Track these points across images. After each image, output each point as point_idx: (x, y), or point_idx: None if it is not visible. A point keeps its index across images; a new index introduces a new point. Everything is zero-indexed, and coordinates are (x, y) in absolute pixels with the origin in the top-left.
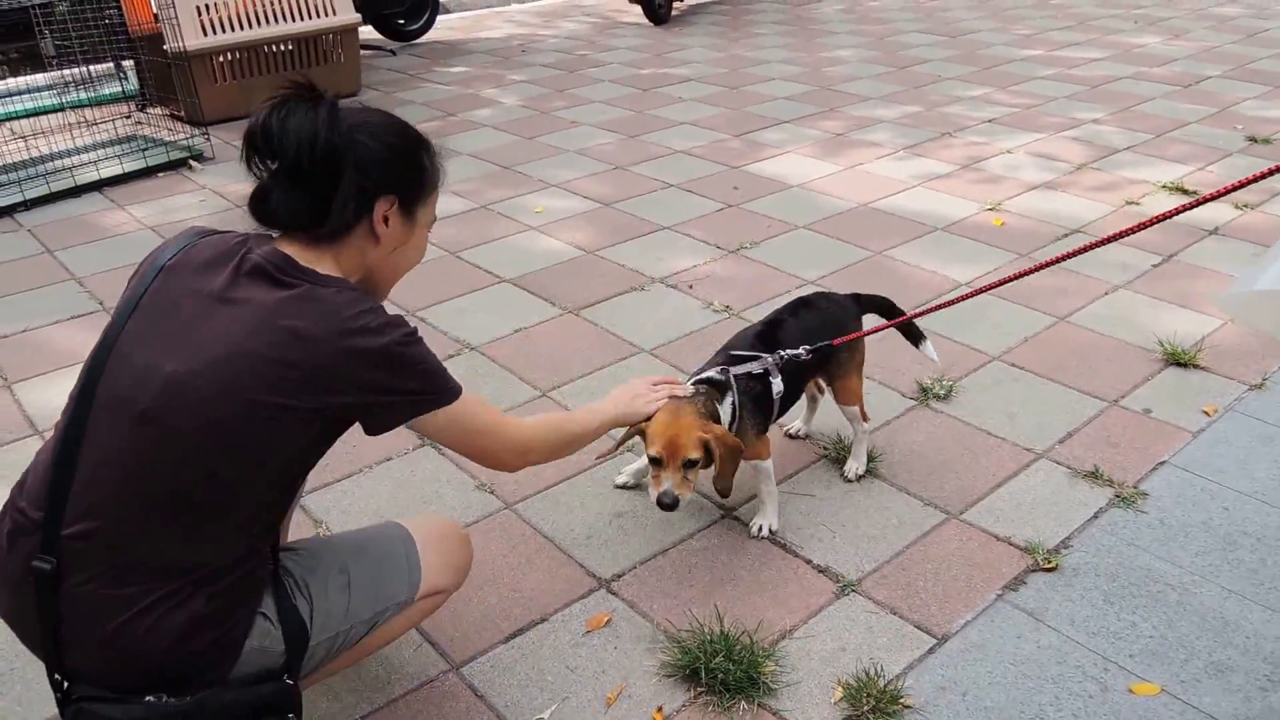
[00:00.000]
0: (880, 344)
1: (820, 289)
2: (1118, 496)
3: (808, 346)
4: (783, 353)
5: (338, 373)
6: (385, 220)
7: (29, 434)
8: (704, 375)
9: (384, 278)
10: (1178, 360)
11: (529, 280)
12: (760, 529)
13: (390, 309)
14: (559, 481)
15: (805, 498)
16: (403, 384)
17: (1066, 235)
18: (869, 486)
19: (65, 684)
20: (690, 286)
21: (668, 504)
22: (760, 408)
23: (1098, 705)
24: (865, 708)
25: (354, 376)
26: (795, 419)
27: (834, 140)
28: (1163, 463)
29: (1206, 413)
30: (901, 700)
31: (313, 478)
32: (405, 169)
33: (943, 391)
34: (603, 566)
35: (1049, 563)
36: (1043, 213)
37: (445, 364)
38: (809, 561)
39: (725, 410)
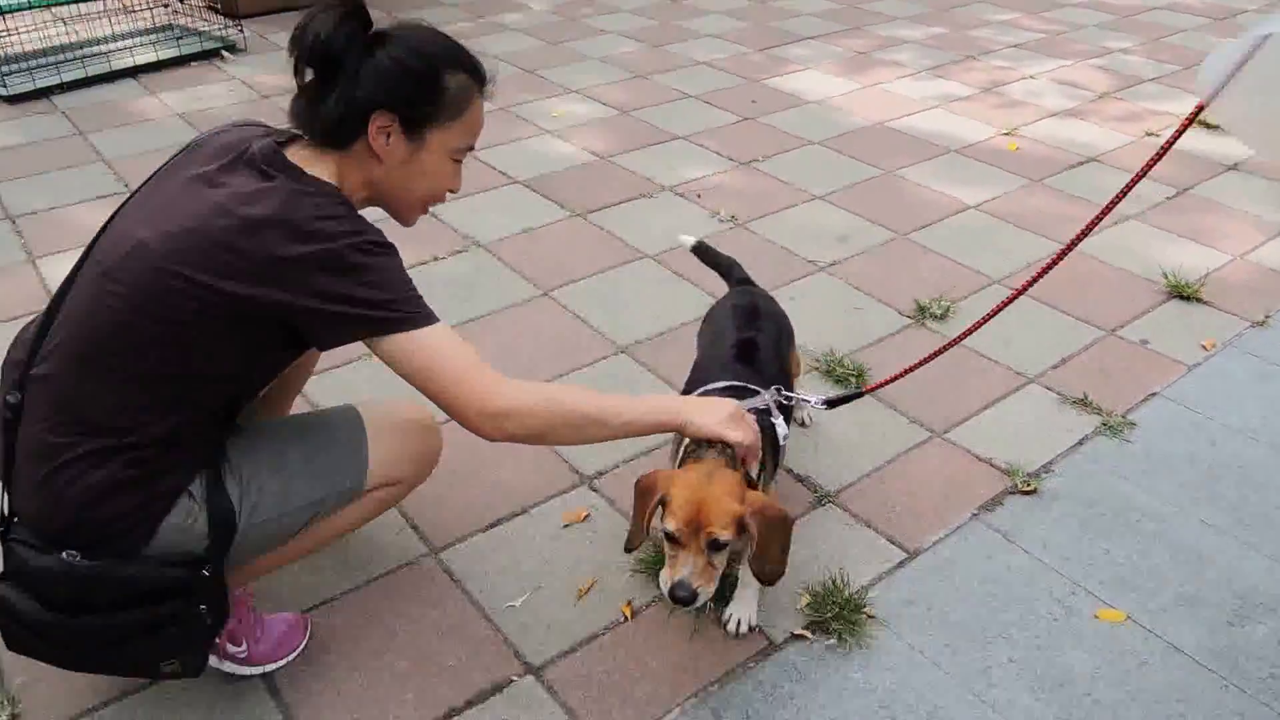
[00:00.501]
0: (880, 262)
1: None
2: (1105, 425)
3: (821, 397)
4: (788, 394)
5: (281, 269)
6: (386, 137)
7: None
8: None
9: (395, 200)
10: (1181, 293)
11: (541, 183)
12: (738, 623)
13: None
14: (553, 378)
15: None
16: (352, 292)
17: (1081, 164)
18: (856, 402)
19: (8, 522)
20: (699, 196)
21: (682, 598)
22: (770, 460)
23: (1061, 628)
24: (829, 614)
25: (298, 276)
26: None
27: (857, 59)
28: (1154, 394)
29: (1205, 347)
30: (865, 610)
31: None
32: (413, 88)
33: (940, 312)
34: (586, 463)
35: (1028, 486)
36: (1059, 139)
37: (451, 260)
38: (789, 471)
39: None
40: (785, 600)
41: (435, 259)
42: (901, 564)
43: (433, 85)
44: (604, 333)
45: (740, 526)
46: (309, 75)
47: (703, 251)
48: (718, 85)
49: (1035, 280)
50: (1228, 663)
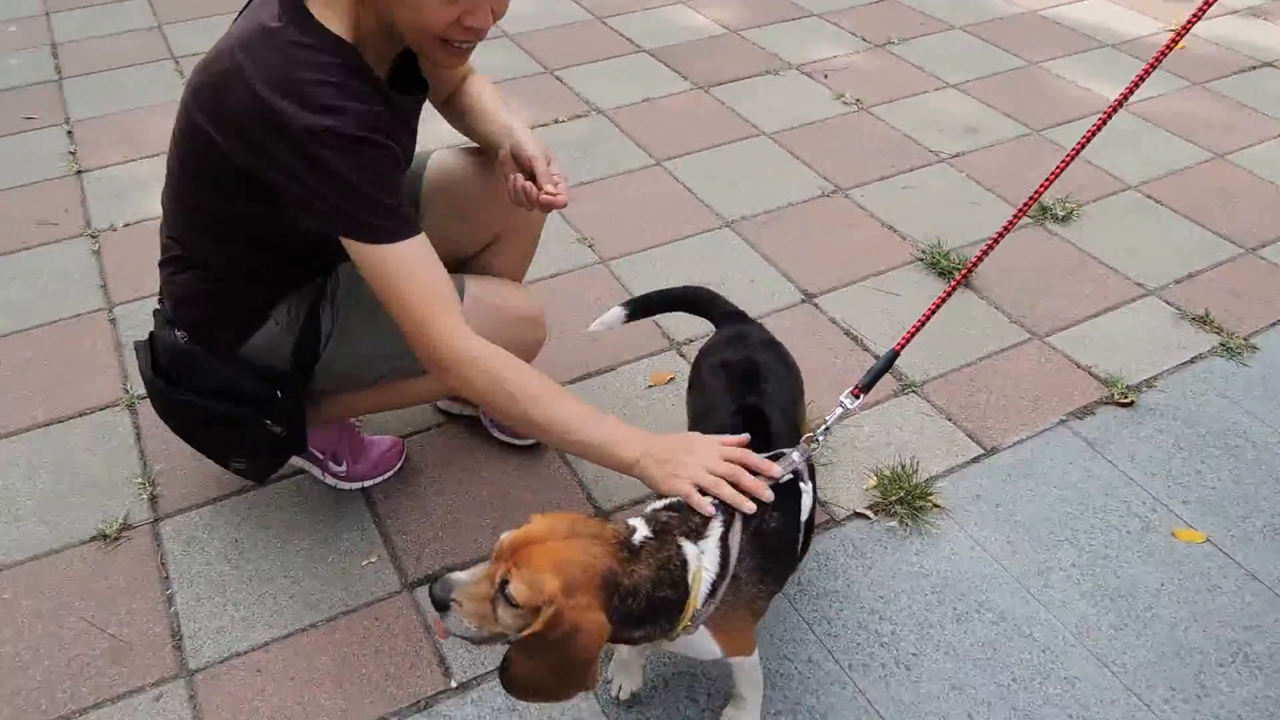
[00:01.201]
0: (1007, 157)
1: (748, 319)
2: (1223, 345)
3: (847, 392)
4: (818, 435)
5: (254, 130)
6: None
7: None
8: (664, 505)
9: (404, 30)
10: None
11: (666, 53)
12: None
13: (522, 63)
14: (656, 245)
15: (889, 295)
16: (315, 180)
17: (1254, 68)
18: (957, 295)
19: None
20: (825, 76)
21: (434, 594)
22: (772, 555)
23: (1134, 541)
24: (893, 498)
25: (267, 143)
26: None
27: None
28: None
29: None
30: (930, 497)
31: None
32: None
33: (1063, 213)
34: (678, 330)
35: (1125, 398)
36: (1233, 41)
37: (570, 124)
38: (877, 356)
39: (709, 556)
40: (851, 479)
41: (556, 121)
42: (976, 459)
43: None
44: (711, 205)
45: (533, 609)
46: None
47: (642, 306)
48: None
49: (1029, 204)
50: None
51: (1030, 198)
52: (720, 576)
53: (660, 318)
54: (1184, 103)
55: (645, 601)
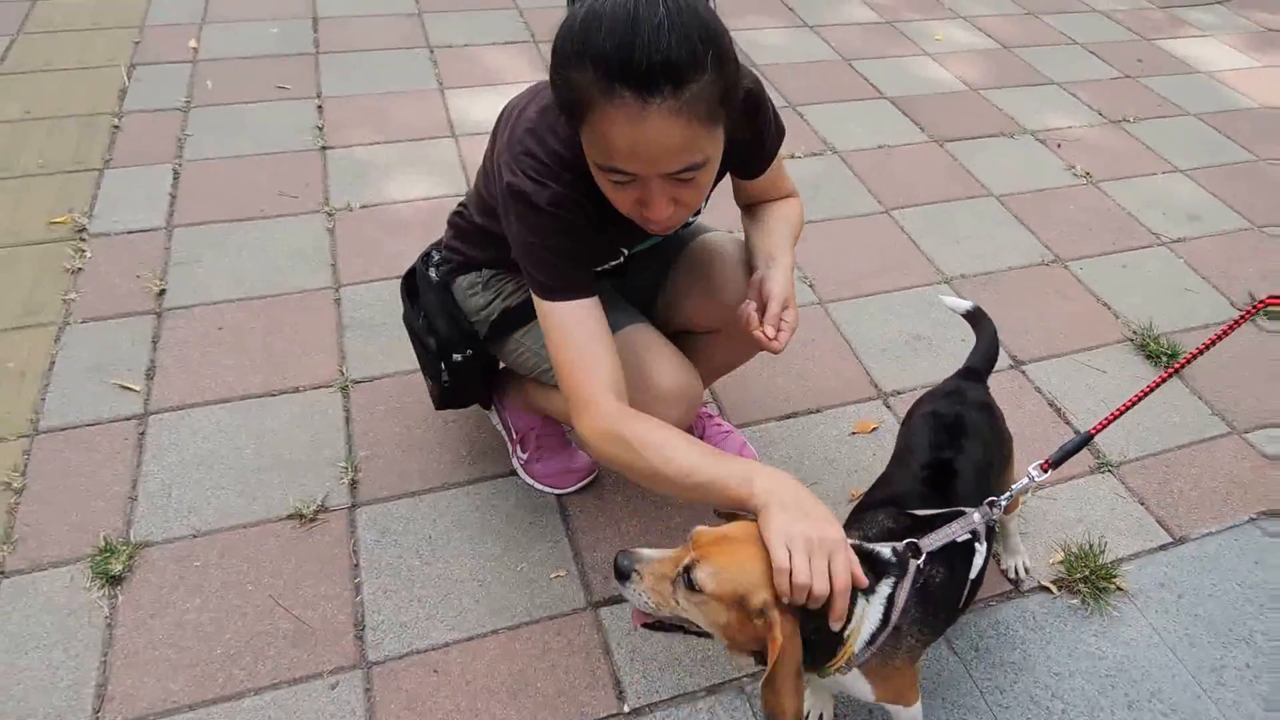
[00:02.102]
0: (1227, 248)
1: (968, 378)
2: None
3: (1035, 465)
4: (1000, 500)
5: (495, 175)
6: None
7: (447, 135)
8: (855, 544)
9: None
10: None
11: (907, 103)
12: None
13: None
14: (875, 293)
15: (1097, 372)
16: (509, 229)
17: None
18: (1168, 383)
19: None
20: (1059, 145)
21: (620, 565)
22: (934, 609)
23: None
24: (1077, 575)
25: (496, 191)
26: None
27: (1265, 35)
28: None
29: None
30: (1115, 579)
31: None
32: (554, 69)
33: (1277, 310)
34: (886, 380)
35: None
36: None
37: (806, 160)
38: (1077, 431)
39: (874, 608)
40: (1038, 552)
41: (793, 156)
42: (1164, 547)
43: (561, 74)
44: (932, 259)
45: (742, 613)
46: None
47: (974, 318)
48: (1106, 36)
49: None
50: None
51: (1259, 303)
52: (881, 628)
53: (871, 364)
54: None
55: (811, 632)
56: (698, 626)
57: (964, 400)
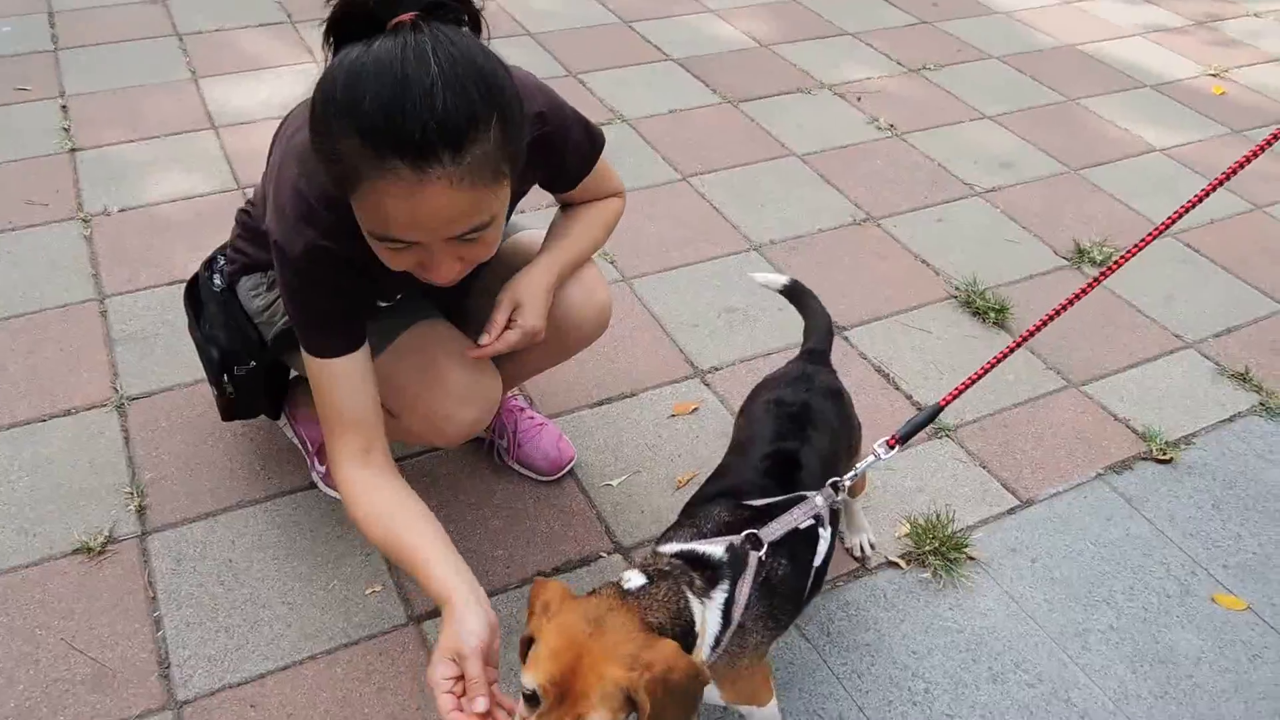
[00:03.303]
0: (1043, 194)
1: (808, 356)
2: (1263, 405)
3: (882, 441)
4: (844, 480)
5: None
6: None
7: (206, 127)
8: (688, 548)
9: None
10: None
11: (695, 63)
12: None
13: (544, 64)
14: (681, 265)
15: (921, 332)
16: (277, 278)
17: None
18: (991, 337)
19: None
20: (859, 99)
21: None
22: (780, 601)
23: (1174, 605)
24: (926, 548)
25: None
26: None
27: None
28: None
29: None
30: (966, 550)
31: None
32: (316, 129)
33: (1100, 257)
34: (703, 357)
35: (1164, 454)
36: (1272, 89)
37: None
38: (909, 397)
39: (713, 613)
40: (884, 525)
41: None
42: (1012, 511)
43: (323, 139)
44: (738, 227)
45: (627, 699)
46: None
47: (794, 294)
48: None
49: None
50: None
51: (1108, 268)
52: (723, 629)
53: (685, 341)
54: (1222, 150)
55: (669, 632)
56: None
57: (811, 386)
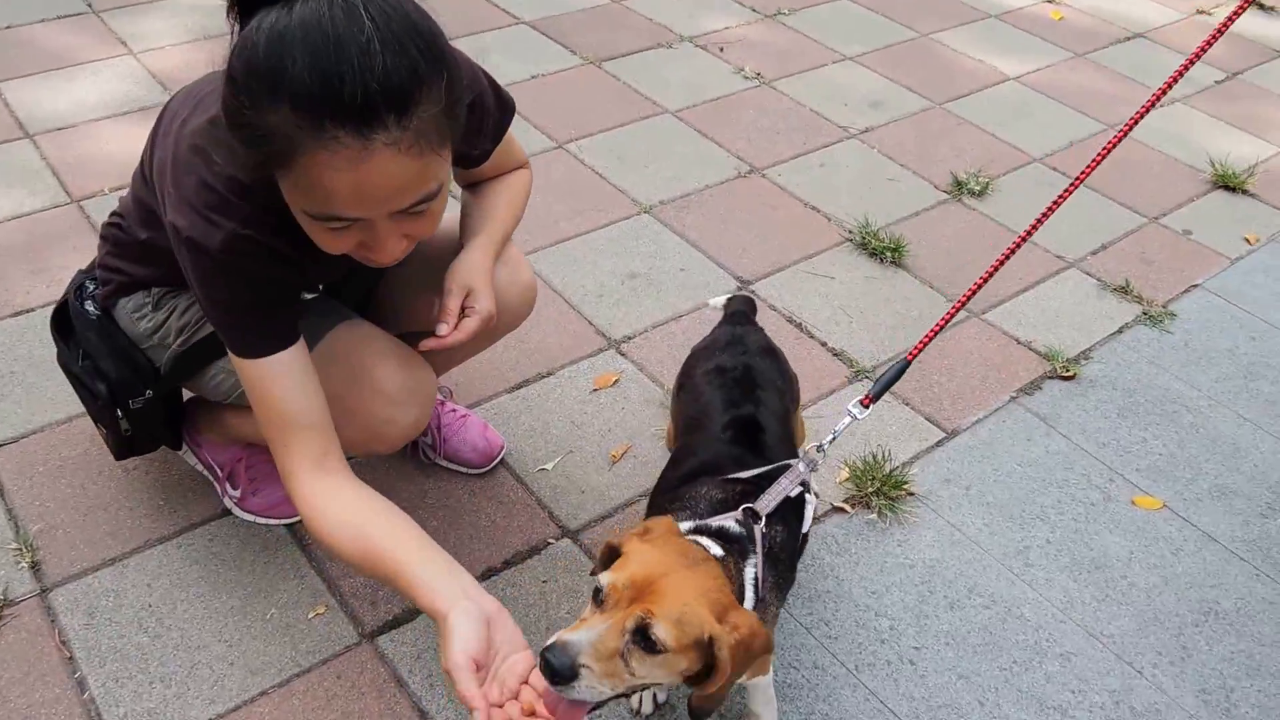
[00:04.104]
0: (914, 131)
1: (741, 296)
2: (1145, 314)
3: (856, 401)
4: (825, 444)
5: (159, 200)
6: None
7: (19, 136)
8: (712, 523)
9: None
10: (1227, 184)
11: (549, 24)
12: None
13: None
14: (575, 235)
15: (825, 279)
16: (186, 276)
17: (1128, 39)
18: (891, 276)
19: None
20: (721, 49)
21: (554, 665)
22: (783, 570)
23: (1099, 513)
24: (869, 490)
25: (168, 229)
26: None
27: None
28: (1196, 285)
29: (1248, 240)
30: (905, 487)
31: None
32: (233, 110)
33: (978, 188)
34: (613, 327)
35: (1067, 371)
36: (1105, 12)
37: None
38: (824, 344)
39: (748, 588)
40: (824, 473)
41: None
42: (940, 443)
43: (244, 117)
44: (625, 191)
45: (703, 652)
46: None
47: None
48: None
49: (1092, 168)
50: (1260, 552)
51: (1035, 222)
52: (756, 603)
53: (593, 313)
54: (1068, 73)
55: None
56: (644, 685)
57: (746, 348)
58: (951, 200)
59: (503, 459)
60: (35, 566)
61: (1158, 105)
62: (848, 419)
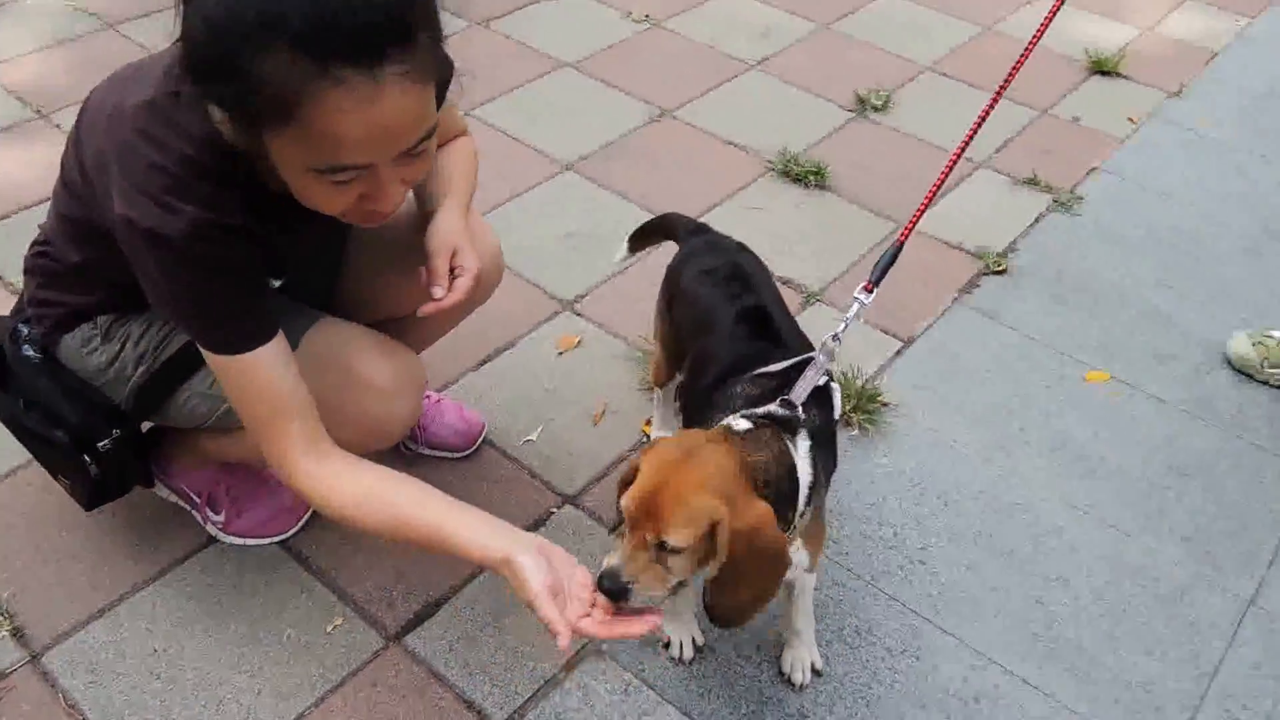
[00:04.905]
0: (809, 55)
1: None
2: (1056, 201)
3: (860, 287)
4: (839, 332)
5: (116, 219)
6: (230, 130)
7: None
8: (757, 411)
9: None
10: (1102, 69)
11: None
12: (804, 671)
13: None
14: (503, 202)
15: (756, 210)
16: (147, 281)
17: None
18: (819, 199)
19: None
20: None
21: (609, 590)
22: (828, 453)
23: (1058, 394)
24: (847, 407)
25: (123, 237)
26: None
27: None
28: (1095, 168)
29: (1131, 120)
30: (880, 399)
31: None
32: (211, 71)
33: (879, 103)
34: (563, 288)
35: (999, 265)
36: None
37: None
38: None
39: (803, 461)
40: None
41: None
42: (900, 352)
43: (232, 67)
44: (544, 150)
45: (708, 532)
46: None
47: (639, 236)
48: None
49: (1009, 80)
50: (1205, 406)
51: (970, 132)
52: (813, 483)
53: (538, 277)
54: None
55: (774, 484)
56: (688, 580)
57: (724, 248)
58: (858, 118)
59: (485, 438)
60: (18, 633)
61: (1027, 2)
62: (856, 305)
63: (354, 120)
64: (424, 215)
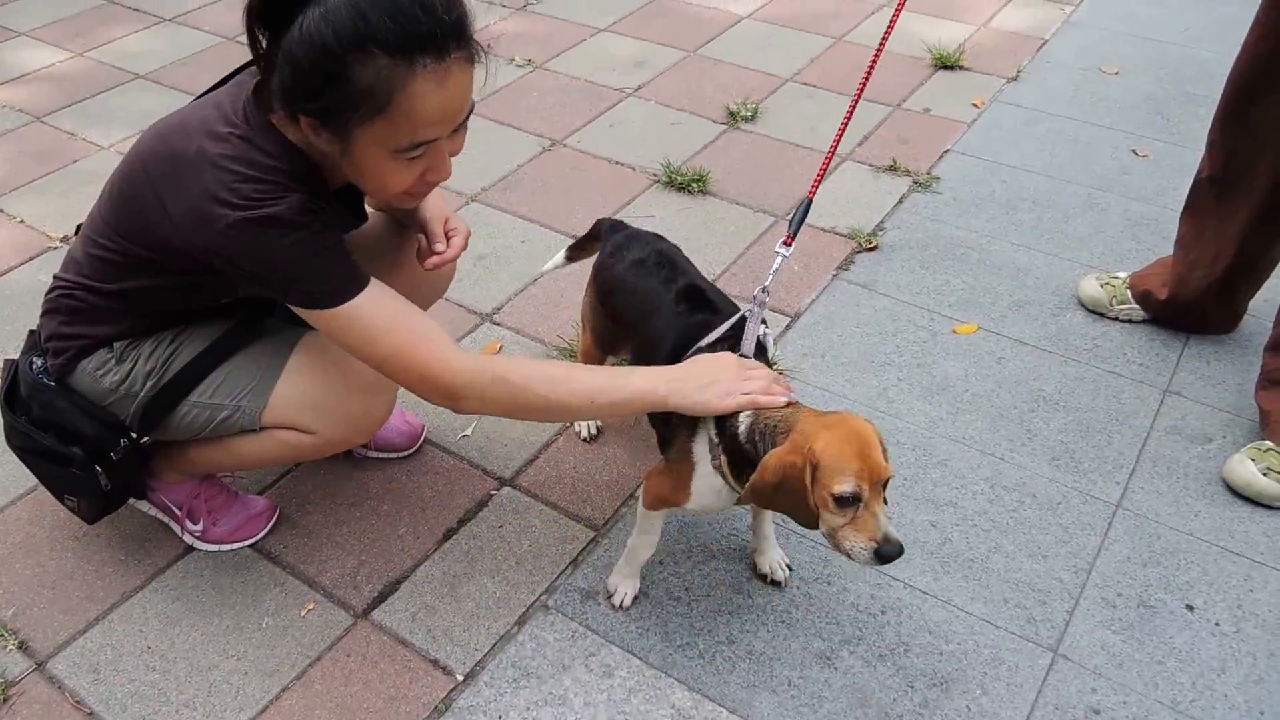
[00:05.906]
0: (680, 79)
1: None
2: (916, 183)
3: (780, 241)
4: (766, 285)
5: (202, 227)
6: (314, 133)
7: None
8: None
9: (367, 191)
10: (945, 64)
11: None
12: (782, 569)
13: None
14: None
15: (649, 219)
16: (256, 268)
17: None
18: (702, 203)
19: None
20: (489, 46)
21: (892, 554)
22: None
23: (931, 346)
24: None
25: (215, 241)
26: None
27: None
28: (947, 150)
29: (975, 105)
30: (775, 367)
31: None
32: (315, 84)
33: (749, 114)
34: (481, 303)
35: (870, 243)
36: None
37: None
38: None
39: None
40: None
41: None
42: (789, 326)
43: (336, 80)
44: (449, 186)
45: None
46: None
47: (576, 247)
48: None
49: (867, 79)
50: (1061, 343)
51: (840, 127)
52: None
53: (460, 297)
54: (790, 6)
55: None
56: None
57: (646, 240)
58: (731, 129)
59: (426, 437)
60: (23, 646)
61: (873, 9)
62: (779, 258)
63: (431, 100)
64: (394, 218)
